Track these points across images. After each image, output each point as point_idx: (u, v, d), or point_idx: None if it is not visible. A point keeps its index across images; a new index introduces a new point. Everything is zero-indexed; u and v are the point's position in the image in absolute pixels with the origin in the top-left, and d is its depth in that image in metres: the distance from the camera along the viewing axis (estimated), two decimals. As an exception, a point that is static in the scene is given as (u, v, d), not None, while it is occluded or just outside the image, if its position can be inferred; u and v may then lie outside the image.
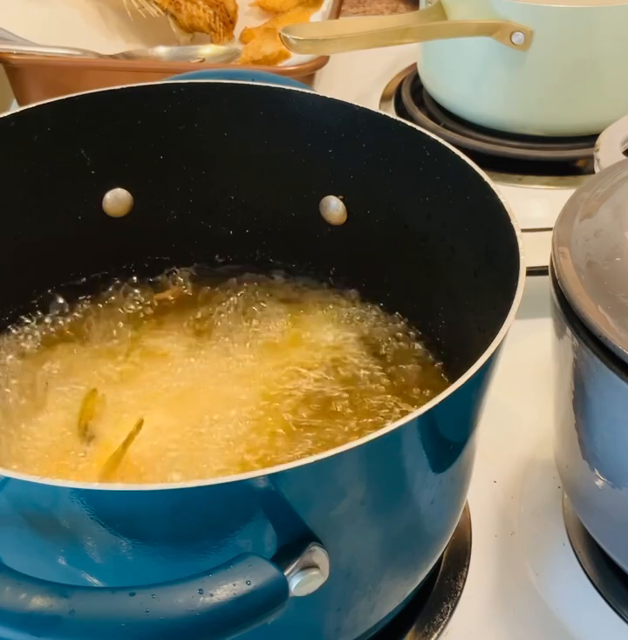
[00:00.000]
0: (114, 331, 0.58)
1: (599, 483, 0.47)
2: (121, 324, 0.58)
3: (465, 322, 0.51)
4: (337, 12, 0.97)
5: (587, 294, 0.43)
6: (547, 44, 0.80)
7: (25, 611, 0.31)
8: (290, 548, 0.36)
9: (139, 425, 0.50)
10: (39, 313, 0.58)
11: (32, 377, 0.54)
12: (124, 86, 0.55)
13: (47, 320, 0.58)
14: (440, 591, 0.51)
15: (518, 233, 0.44)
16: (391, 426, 0.35)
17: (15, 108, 0.61)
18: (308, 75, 0.86)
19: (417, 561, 0.46)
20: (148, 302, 0.60)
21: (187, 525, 0.35)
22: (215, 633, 0.32)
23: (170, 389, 0.54)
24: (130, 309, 0.59)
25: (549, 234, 0.48)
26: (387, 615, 0.47)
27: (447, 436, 0.41)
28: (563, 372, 0.47)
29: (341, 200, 0.57)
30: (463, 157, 0.49)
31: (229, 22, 1.01)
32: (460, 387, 0.37)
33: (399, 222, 0.54)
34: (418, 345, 0.56)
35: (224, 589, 0.32)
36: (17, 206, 0.55)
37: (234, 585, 0.32)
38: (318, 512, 0.37)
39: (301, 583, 0.35)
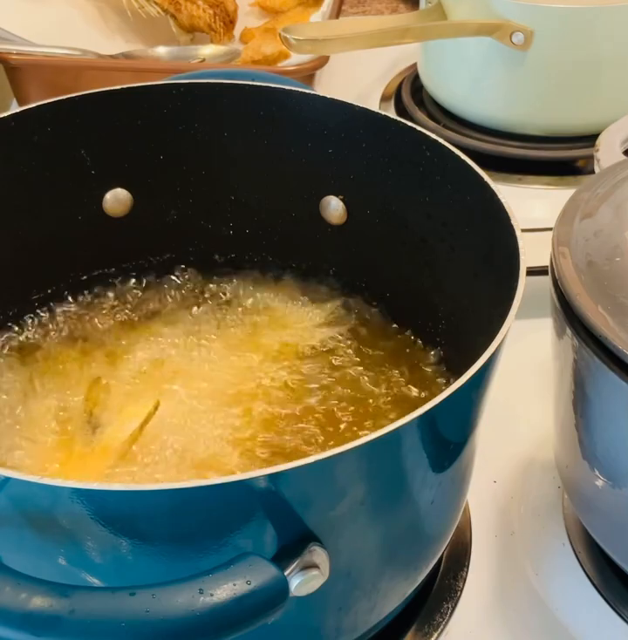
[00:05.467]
0: (114, 329, 0.58)
1: (599, 483, 0.47)
2: (121, 323, 0.58)
3: (465, 322, 0.51)
4: (337, 12, 0.97)
5: (587, 294, 0.43)
6: (547, 44, 0.80)
7: (25, 611, 0.31)
8: (291, 547, 0.36)
9: (156, 406, 0.51)
10: (39, 313, 0.58)
11: (34, 374, 0.55)
12: (124, 86, 0.55)
13: (47, 319, 0.58)
14: (440, 591, 0.51)
15: (518, 233, 0.44)
16: (391, 426, 0.35)
17: (15, 108, 0.61)
18: (308, 75, 0.86)
19: (417, 561, 0.46)
20: (148, 301, 0.60)
21: (187, 525, 0.35)
22: (215, 633, 0.32)
23: (169, 382, 0.54)
24: (130, 307, 0.59)
25: (549, 234, 0.48)
26: (387, 615, 0.47)
27: (447, 436, 0.41)
28: (563, 372, 0.47)
29: (341, 200, 0.57)
30: (463, 157, 0.49)
31: (229, 22, 1.01)
32: (460, 387, 0.37)
33: (399, 222, 0.54)
34: (417, 345, 0.56)
35: (224, 589, 0.32)
36: (17, 206, 0.55)
37: (234, 585, 0.32)
38: (318, 512, 0.37)
39: (301, 583, 0.35)
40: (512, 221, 0.44)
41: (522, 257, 0.42)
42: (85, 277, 0.59)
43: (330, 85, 0.93)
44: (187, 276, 0.61)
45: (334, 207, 0.57)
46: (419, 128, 0.51)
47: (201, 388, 0.54)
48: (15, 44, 0.87)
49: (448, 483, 0.44)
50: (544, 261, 0.48)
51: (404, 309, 0.58)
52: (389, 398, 0.54)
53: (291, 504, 0.35)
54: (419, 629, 0.50)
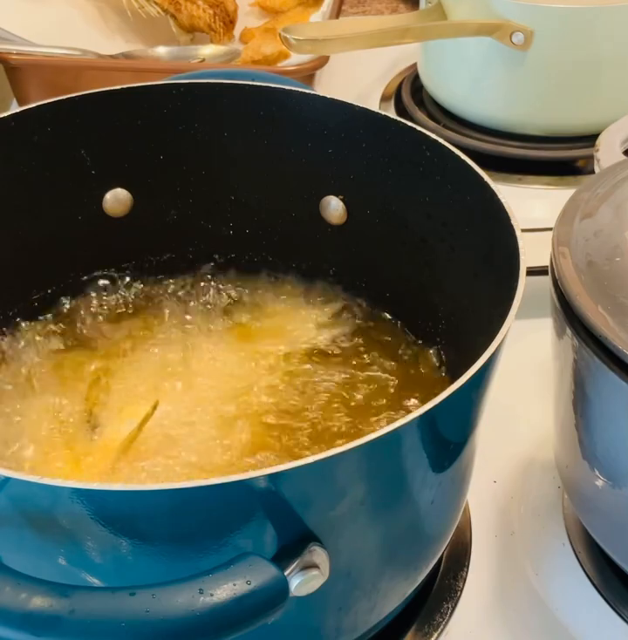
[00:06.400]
0: (114, 329, 0.58)
1: (599, 483, 0.47)
2: (121, 323, 0.58)
3: (465, 322, 0.51)
4: (337, 12, 0.97)
5: (587, 294, 0.43)
6: (547, 44, 0.80)
7: (25, 611, 0.31)
8: (291, 547, 0.36)
9: (155, 406, 0.52)
10: (39, 313, 0.58)
11: (34, 374, 0.55)
12: (124, 86, 0.55)
13: (47, 319, 0.58)
14: (440, 591, 0.51)
15: (518, 233, 0.44)
16: (391, 426, 0.35)
17: (15, 108, 0.61)
18: (308, 75, 0.86)
19: (417, 561, 0.46)
20: (148, 301, 0.60)
21: (187, 525, 0.35)
22: (215, 633, 0.32)
23: (169, 382, 0.54)
24: (130, 308, 0.59)
25: (549, 234, 0.48)
26: (387, 615, 0.47)
27: (447, 436, 0.41)
28: (563, 372, 0.47)
29: (341, 200, 0.57)
30: (463, 157, 0.49)
31: (229, 22, 1.01)
32: (460, 387, 0.37)
33: (399, 222, 0.54)
34: (417, 345, 0.56)
35: (224, 589, 0.32)
36: (17, 206, 0.55)
37: (234, 585, 0.32)
38: (318, 512, 0.37)
39: (301, 583, 0.35)
40: (512, 221, 0.44)
41: (522, 257, 0.42)
42: (85, 277, 0.59)
43: (330, 85, 0.93)
44: (186, 277, 0.61)
45: (334, 207, 0.57)
46: (419, 128, 0.51)
47: (200, 388, 0.54)
48: (15, 44, 0.87)
49: (448, 483, 0.44)
50: (544, 261, 0.48)
51: (404, 310, 0.58)
52: (388, 398, 0.54)
53: (291, 504, 0.35)
54: (419, 629, 0.50)
